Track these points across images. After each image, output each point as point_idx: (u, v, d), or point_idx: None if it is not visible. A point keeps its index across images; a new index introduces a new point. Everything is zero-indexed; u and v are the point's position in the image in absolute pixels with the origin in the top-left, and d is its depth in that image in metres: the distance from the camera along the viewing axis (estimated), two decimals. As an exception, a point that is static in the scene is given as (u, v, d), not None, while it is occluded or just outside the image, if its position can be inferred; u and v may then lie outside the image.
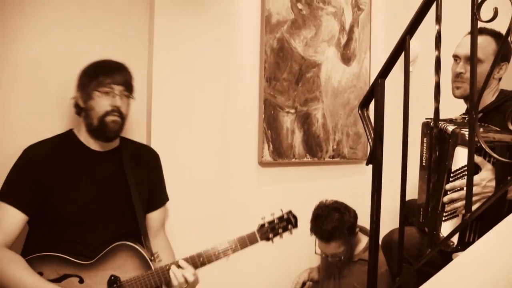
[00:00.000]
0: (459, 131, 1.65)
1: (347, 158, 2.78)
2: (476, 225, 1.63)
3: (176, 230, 2.05)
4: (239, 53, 2.37)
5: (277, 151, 2.47)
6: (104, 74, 1.67)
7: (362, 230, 2.34)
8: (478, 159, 1.59)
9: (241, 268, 2.27)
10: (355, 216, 2.24)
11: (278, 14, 2.44)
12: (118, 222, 1.71)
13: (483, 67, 1.87)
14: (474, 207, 1.52)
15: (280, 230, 1.84)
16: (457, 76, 1.93)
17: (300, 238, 2.62)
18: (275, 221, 1.84)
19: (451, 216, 1.66)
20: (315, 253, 2.32)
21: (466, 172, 1.60)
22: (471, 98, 1.37)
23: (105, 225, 1.68)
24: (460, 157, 1.65)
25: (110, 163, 1.75)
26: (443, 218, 1.71)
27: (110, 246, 1.64)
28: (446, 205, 1.67)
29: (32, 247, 1.59)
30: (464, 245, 1.59)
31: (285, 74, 2.48)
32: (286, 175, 2.59)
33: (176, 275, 1.65)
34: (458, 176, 1.64)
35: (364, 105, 1.80)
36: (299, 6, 2.52)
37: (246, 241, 1.78)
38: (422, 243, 1.91)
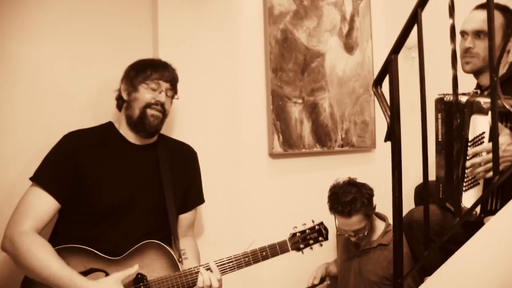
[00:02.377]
0: (473, 100, 1.64)
1: (356, 147, 2.77)
2: (498, 192, 1.63)
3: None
4: (244, 45, 2.37)
5: (287, 142, 2.46)
6: (153, 69, 1.69)
7: (378, 215, 2.32)
8: None
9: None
10: (371, 189, 2.22)
11: (281, 5, 2.44)
12: (149, 219, 1.69)
13: (492, 41, 1.88)
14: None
15: (311, 242, 1.85)
16: (465, 52, 1.93)
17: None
18: (307, 232, 1.84)
19: (472, 184, 1.65)
20: (337, 234, 2.28)
21: (483, 140, 1.61)
22: (491, 61, 1.36)
23: (136, 221, 1.65)
24: (477, 125, 1.65)
25: (147, 158, 1.74)
26: (464, 188, 1.70)
27: (139, 244, 1.62)
28: (466, 173, 1.66)
29: (59, 238, 1.57)
30: (487, 213, 1.58)
31: (291, 64, 2.48)
32: (296, 165, 2.57)
33: (204, 277, 1.62)
34: (477, 143, 1.64)
35: (377, 82, 1.79)
36: (300, -4, 2.53)
37: (277, 250, 1.77)
38: (444, 219, 1.90)
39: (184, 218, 1.86)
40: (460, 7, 1.96)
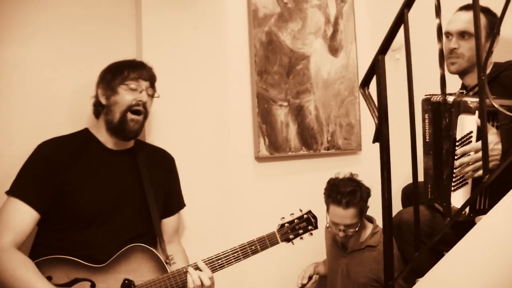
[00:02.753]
0: (460, 99, 1.65)
1: (342, 149, 2.77)
2: (486, 192, 1.63)
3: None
4: (229, 48, 2.35)
5: (273, 145, 2.44)
6: (130, 68, 1.65)
7: (365, 217, 2.32)
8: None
9: (246, 264, 2.21)
10: (368, 189, 2.23)
11: (265, 8, 2.43)
12: (133, 223, 1.65)
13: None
14: (482, 172, 1.54)
15: (300, 231, 1.81)
16: (451, 52, 1.94)
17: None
18: (295, 221, 1.81)
19: (460, 184, 1.65)
20: (327, 227, 2.25)
21: (471, 139, 1.61)
22: (478, 60, 1.37)
23: (119, 226, 1.61)
24: (464, 125, 1.65)
25: (127, 163, 1.70)
26: (452, 188, 1.71)
27: (124, 248, 1.57)
28: (455, 173, 1.66)
29: (41, 249, 1.51)
30: (476, 212, 1.59)
31: (276, 67, 2.46)
32: (283, 169, 2.55)
33: (193, 277, 1.58)
34: (465, 143, 1.64)
35: (365, 83, 1.79)
36: (285, -1, 2.52)
37: (266, 242, 1.73)
38: (433, 220, 1.89)
39: (168, 223, 1.83)
40: (445, 8, 1.98)
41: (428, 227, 1.88)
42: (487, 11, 1.93)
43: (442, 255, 2.02)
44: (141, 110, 1.64)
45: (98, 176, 1.61)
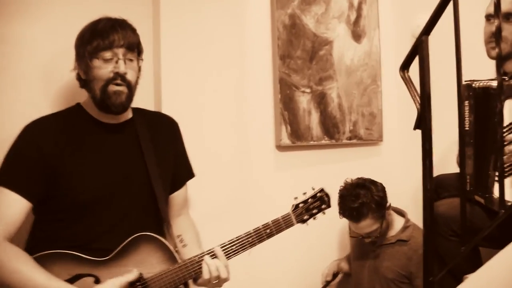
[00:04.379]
0: (508, 83, 1.54)
1: (364, 140, 2.66)
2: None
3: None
4: (250, 30, 2.23)
5: (295, 133, 2.33)
6: (100, 36, 1.40)
7: (396, 210, 2.22)
8: None
9: (263, 260, 2.11)
10: (383, 189, 2.11)
11: (289, -11, 2.31)
12: (138, 206, 1.50)
13: (523, 22, 1.79)
14: None
15: (315, 211, 1.68)
16: (492, 36, 1.84)
17: (326, 224, 2.49)
18: (309, 201, 1.67)
19: (507, 174, 1.55)
20: (350, 236, 2.18)
21: None
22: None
23: (123, 211, 1.47)
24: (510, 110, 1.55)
25: (125, 137, 1.53)
26: (496, 178, 1.61)
27: (129, 239, 1.42)
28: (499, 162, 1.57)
29: (38, 243, 1.38)
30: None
31: (299, 51, 2.35)
32: (304, 158, 2.44)
33: (210, 267, 1.44)
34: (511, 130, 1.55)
35: (405, 66, 1.67)
36: (308, -20, 2.40)
37: (282, 224, 1.60)
38: (473, 213, 1.79)
39: (177, 196, 1.67)
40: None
41: (468, 220, 1.78)
42: None
43: (478, 251, 1.94)
44: (120, 83, 1.43)
45: (94, 157, 1.46)
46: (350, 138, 2.59)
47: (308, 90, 2.39)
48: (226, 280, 1.49)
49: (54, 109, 1.59)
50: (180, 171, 1.68)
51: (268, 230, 1.56)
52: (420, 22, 2.57)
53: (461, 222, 1.47)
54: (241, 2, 2.20)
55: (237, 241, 1.52)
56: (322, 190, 1.72)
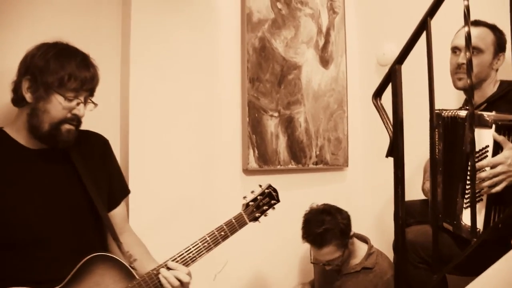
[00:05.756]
0: (476, 113, 1.58)
1: (330, 165, 2.66)
2: (500, 209, 1.58)
3: (154, 245, 1.77)
4: (220, 52, 2.20)
5: (262, 157, 2.29)
6: (72, 76, 1.32)
7: (358, 237, 2.20)
8: (499, 138, 1.56)
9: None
10: (348, 217, 2.10)
11: (259, 13, 2.30)
12: (80, 231, 1.41)
13: (484, 57, 1.86)
14: (501, 186, 1.52)
15: (265, 207, 1.71)
16: (458, 68, 1.90)
17: (290, 248, 2.45)
18: (259, 198, 1.70)
19: (477, 199, 1.58)
20: (311, 262, 2.14)
21: (487, 154, 1.56)
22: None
23: (65, 238, 1.37)
24: (480, 139, 1.59)
25: (57, 161, 1.41)
26: (465, 205, 1.63)
27: (81, 262, 1.32)
28: (468, 189, 1.60)
29: None
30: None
31: (268, 75, 2.34)
32: (271, 183, 2.39)
33: (168, 279, 1.40)
34: (480, 158, 1.58)
35: (378, 94, 1.70)
36: (279, 5, 2.41)
37: (235, 225, 1.60)
38: (440, 241, 1.80)
39: (116, 215, 1.58)
40: (447, 24, 1.93)
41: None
42: (494, 28, 1.90)
43: (445, 278, 1.94)
44: (74, 123, 1.37)
45: (26, 187, 1.34)
46: (316, 163, 2.58)
47: (276, 114, 2.37)
48: (188, 283, 1.45)
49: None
50: (114, 189, 1.59)
51: (222, 233, 1.56)
52: (385, 51, 2.64)
53: (432, 250, 1.47)
54: (212, 23, 2.17)
55: (193, 247, 1.49)
56: (269, 186, 1.76)
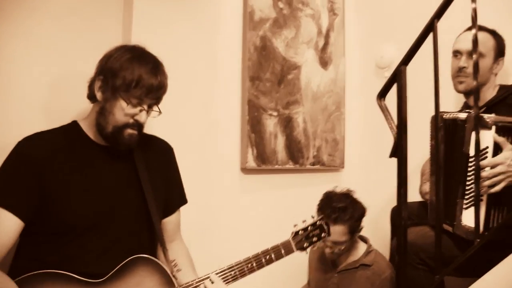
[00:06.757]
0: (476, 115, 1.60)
1: (326, 165, 2.66)
2: (500, 210, 1.60)
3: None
4: (221, 49, 2.20)
5: (260, 156, 2.29)
6: (139, 83, 1.34)
7: (359, 236, 2.22)
8: (499, 139, 1.58)
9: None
10: (364, 209, 2.13)
11: (261, 11, 2.30)
12: (132, 231, 1.45)
13: (485, 61, 1.89)
14: (500, 186, 1.54)
15: (314, 239, 1.68)
16: (459, 71, 1.92)
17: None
18: (309, 228, 1.67)
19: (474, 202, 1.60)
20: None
21: (487, 154, 1.58)
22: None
23: (117, 235, 1.40)
24: (480, 140, 1.60)
25: (121, 160, 1.47)
26: (465, 206, 1.65)
27: (125, 261, 1.36)
28: (467, 190, 1.62)
29: (24, 263, 1.28)
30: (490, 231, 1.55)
31: (268, 74, 2.33)
32: (269, 182, 2.41)
33: None
34: (479, 159, 1.60)
35: (382, 94, 1.70)
36: (280, 5, 2.41)
37: (281, 251, 1.58)
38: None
39: (169, 222, 1.62)
40: (448, 27, 1.95)
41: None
42: (494, 33, 1.93)
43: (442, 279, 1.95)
44: (135, 129, 1.41)
45: (89, 179, 1.39)
46: (313, 164, 2.58)
47: (275, 113, 2.37)
48: None
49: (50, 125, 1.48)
50: (172, 197, 1.63)
51: (267, 257, 1.54)
52: (384, 53, 2.66)
53: (435, 252, 1.48)
54: (214, 21, 2.17)
55: (236, 267, 1.49)
56: (322, 218, 1.72)
